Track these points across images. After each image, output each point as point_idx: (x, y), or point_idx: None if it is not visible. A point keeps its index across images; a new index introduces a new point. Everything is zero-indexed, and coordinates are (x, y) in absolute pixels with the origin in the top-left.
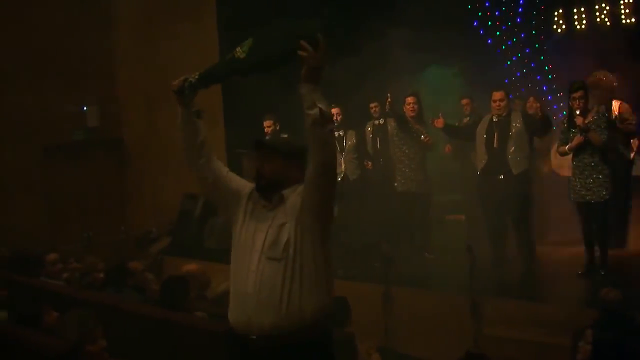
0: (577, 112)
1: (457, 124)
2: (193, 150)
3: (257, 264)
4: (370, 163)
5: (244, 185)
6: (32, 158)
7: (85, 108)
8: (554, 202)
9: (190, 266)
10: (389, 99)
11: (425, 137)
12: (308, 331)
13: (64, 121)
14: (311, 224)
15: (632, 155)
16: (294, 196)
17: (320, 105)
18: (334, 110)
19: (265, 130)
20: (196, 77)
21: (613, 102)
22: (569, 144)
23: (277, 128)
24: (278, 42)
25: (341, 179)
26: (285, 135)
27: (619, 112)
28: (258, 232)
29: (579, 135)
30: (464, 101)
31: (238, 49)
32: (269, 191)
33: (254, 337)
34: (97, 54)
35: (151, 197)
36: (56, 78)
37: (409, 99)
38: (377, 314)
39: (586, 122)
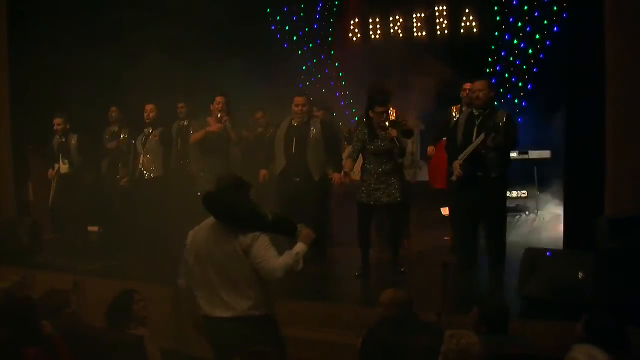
0: (387, 124)
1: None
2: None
3: None
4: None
5: None
6: None
7: None
8: (343, 204)
9: None
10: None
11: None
12: None
13: None
14: None
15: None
16: None
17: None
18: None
19: (55, 127)
20: None
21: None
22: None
23: (68, 127)
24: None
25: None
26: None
27: (395, 117)
28: None
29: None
30: (258, 115)
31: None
32: None
33: None
34: None
35: None
36: None
37: (218, 98)
38: (167, 314)
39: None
